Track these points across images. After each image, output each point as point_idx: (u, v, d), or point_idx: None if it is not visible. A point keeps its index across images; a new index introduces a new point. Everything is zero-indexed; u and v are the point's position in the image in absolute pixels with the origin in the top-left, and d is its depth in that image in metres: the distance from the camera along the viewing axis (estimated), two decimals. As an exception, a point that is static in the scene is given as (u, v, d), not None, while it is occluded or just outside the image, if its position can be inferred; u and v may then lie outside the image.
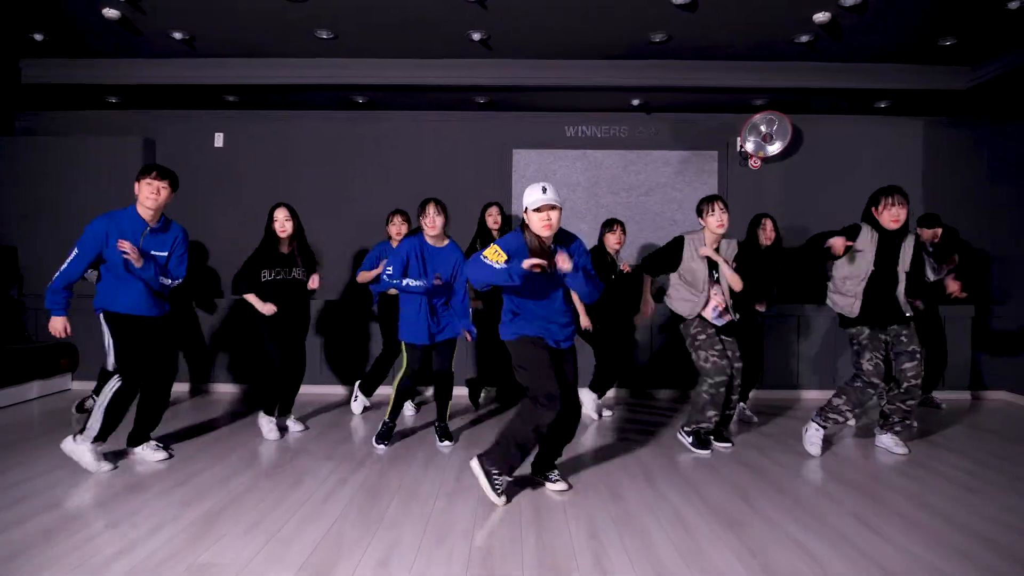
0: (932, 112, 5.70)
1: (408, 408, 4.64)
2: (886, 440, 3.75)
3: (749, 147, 5.62)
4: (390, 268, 3.61)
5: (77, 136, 5.72)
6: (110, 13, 4.13)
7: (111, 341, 3.27)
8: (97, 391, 4.21)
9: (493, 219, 4.84)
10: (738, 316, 3.82)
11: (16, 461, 3.37)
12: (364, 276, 4.49)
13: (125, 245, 3.08)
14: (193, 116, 5.85)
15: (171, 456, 3.47)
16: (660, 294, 4.17)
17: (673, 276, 3.83)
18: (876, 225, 3.56)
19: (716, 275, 3.75)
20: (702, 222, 3.73)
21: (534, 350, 2.89)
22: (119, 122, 5.84)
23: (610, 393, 5.20)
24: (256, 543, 2.40)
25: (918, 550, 2.42)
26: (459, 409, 4.75)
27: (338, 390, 5.36)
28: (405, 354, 3.77)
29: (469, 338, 3.70)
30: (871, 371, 3.55)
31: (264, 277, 3.82)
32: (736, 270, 3.72)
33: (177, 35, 4.53)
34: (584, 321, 4.24)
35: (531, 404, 2.83)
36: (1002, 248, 5.66)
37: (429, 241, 3.68)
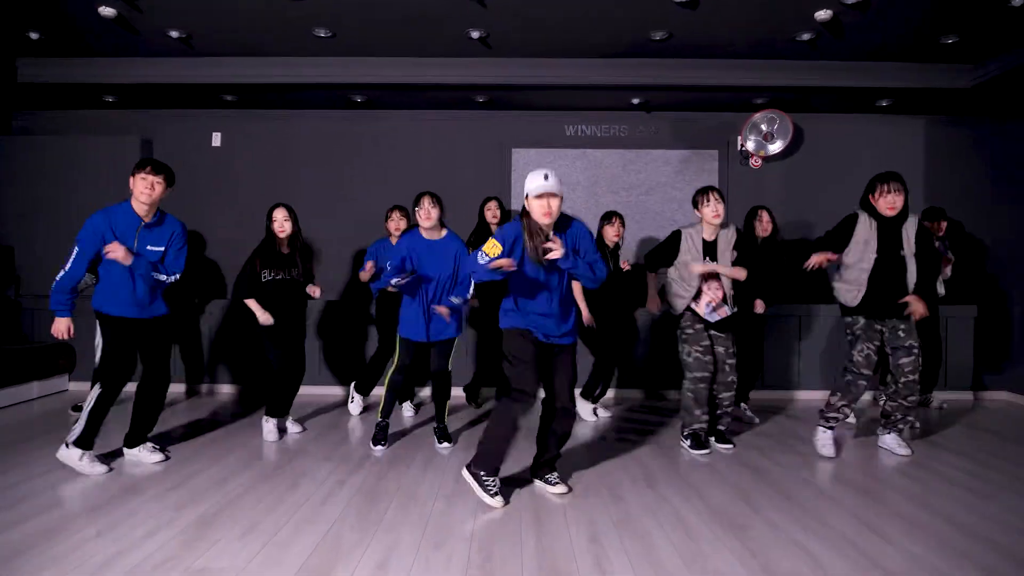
0: (934, 111, 5.68)
1: (407, 409, 4.62)
2: (889, 440, 3.72)
3: (750, 146, 5.59)
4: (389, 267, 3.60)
5: (74, 136, 5.69)
6: (106, 12, 4.11)
7: (101, 342, 3.25)
8: None
9: (492, 213, 4.82)
10: (736, 309, 3.77)
11: (16, 462, 3.36)
12: (365, 275, 4.47)
13: (109, 247, 3.06)
14: (191, 115, 5.83)
15: (168, 458, 3.45)
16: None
17: (671, 271, 3.81)
18: (874, 212, 3.55)
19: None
20: (698, 213, 3.71)
21: (521, 343, 2.88)
22: (116, 121, 5.81)
23: (609, 393, 5.18)
24: (253, 546, 2.37)
25: (919, 551, 2.40)
26: (458, 410, 4.73)
27: (336, 391, 5.33)
28: (398, 348, 3.77)
29: (445, 311, 3.58)
30: (861, 362, 3.58)
31: (264, 277, 3.80)
32: (738, 258, 3.67)
33: (174, 34, 4.50)
34: (586, 316, 4.21)
35: (506, 400, 2.86)
36: (1004, 248, 5.63)
37: (425, 235, 3.66)
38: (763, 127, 5.54)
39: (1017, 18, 4.11)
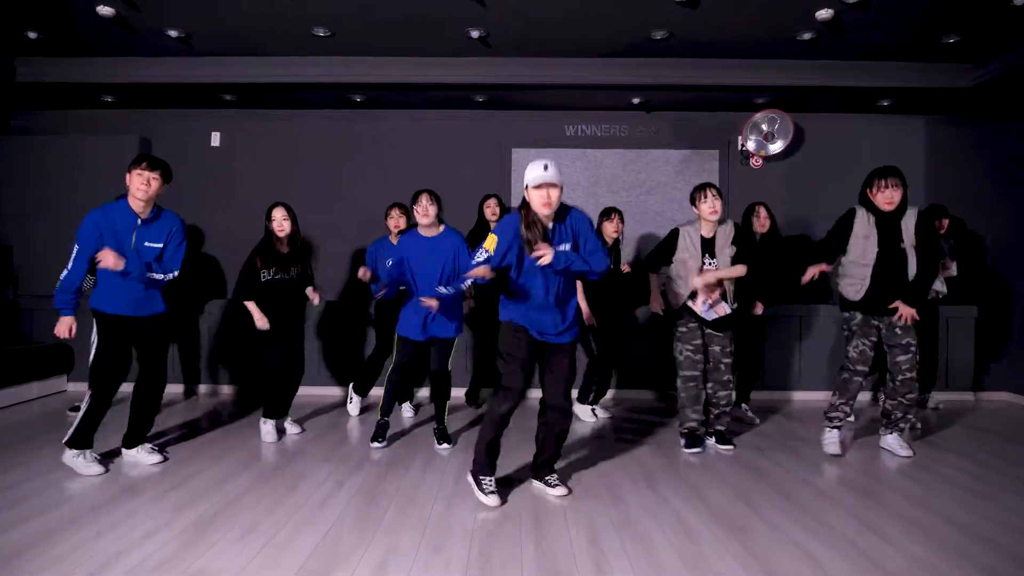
0: (935, 111, 5.66)
1: (407, 410, 4.60)
2: (891, 441, 3.71)
3: (750, 146, 5.58)
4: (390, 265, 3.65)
5: (73, 135, 5.67)
6: (105, 11, 4.09)
7: (96, 340, 3.25)
8: None
9: (491, 211, 4.81)
10: (736, 305, 3.74)
11: (15, 462, 3.35)
12: (364, 275, 4.45)
13: (100, 255, 3.06)
14: (190, 115, 5.81)
15: (166, 459, 3.43)
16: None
17: (671, 269, 3.80)
18: (872, 207, 3.55)
19: (712, 264, 3.67)
20: (695, 210, 3.70)
21: (514, 339, 2.87)
22: (115, 121, 5.79)
23: (609, 393, 5.17)
24: (252, 548, 2.36)
25: (920, 552, 2.39)
26: (458, 410, 4.72)
27: (335, 391, 5.32)
28: (396, 346, 3.77)
29: (434, 304, 3.46)
30: (855, 358, 3.60)
31: (264, 277, 3.79)
32: (737, 253, 3.66)
33: (173, 33, 4.48)
34: (587, 314, 4.19)
35: (494, 398, 2.87)
36: (1005, 248, 5.62)
37: (423, 232, 3.66)
38: (764, 127, 5.53)
39: (1018, 17, 4.09)
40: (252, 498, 2.88)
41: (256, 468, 3.34)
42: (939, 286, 4.66)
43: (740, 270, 3.63)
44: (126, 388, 3.37)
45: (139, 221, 3.21)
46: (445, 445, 3.75)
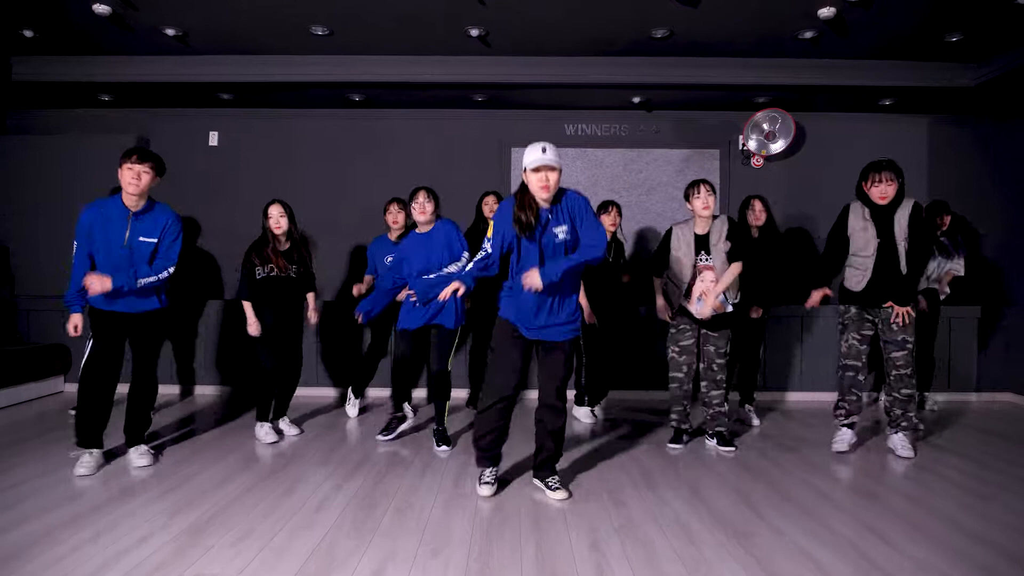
0: (937, 110, 5.63)
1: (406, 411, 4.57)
2: (896, 440, 3.68)
3: (752, 145, 5.55)
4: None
5: (70, 135, 5.63)
6: (101, 9, 4.05)
7: (91, 338, 3.24)
8: None
9: (490, 208, 4.78)
10: (738, 299, 3.71)
11: (14, 462, 3.33)
12: (358, 290, 4.47)
13: (86, 282, 3.06)
14: (188, 114, 5.77)
15: (157, 461, 3.41)
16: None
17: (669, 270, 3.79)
18: (868, 200, 3.57)
19: (707, 259, 3.66)
20: (689, 207, 3.71)
21: (504, 337, 2.86)
22: (112, 120, 5.75)
23: (609, 394, 5.14)
24: (247, 553, 2.33)
25: (923, 554, 2.36)
26: (458, 411, 4.69)
27: (334, 392, 5.29)
28: (393, 342, 3.82)
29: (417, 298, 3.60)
30: (846, 352, 3.69)
31: (259, 274, 3.77)
32: (732, 248, 3.63)
33: (170, 31, 4.45)
34: (587, 313, 4.16)
35: (482, 396, 2.89)
36: (1008, 248, 5.59)
37: (419, 230, 3.68)
38: (765, 126, 5.50)
39: (1021, 16, 4.06)
40: (248, 501, 2.85)
41: (253, 470, 3.31)
42: (944, 287, 4.66)
43: (735, 269, 3.61)
44: (124, 389, 3.35)
45: (132, 214, 3.19)
46: (444, 447, 3.71)
